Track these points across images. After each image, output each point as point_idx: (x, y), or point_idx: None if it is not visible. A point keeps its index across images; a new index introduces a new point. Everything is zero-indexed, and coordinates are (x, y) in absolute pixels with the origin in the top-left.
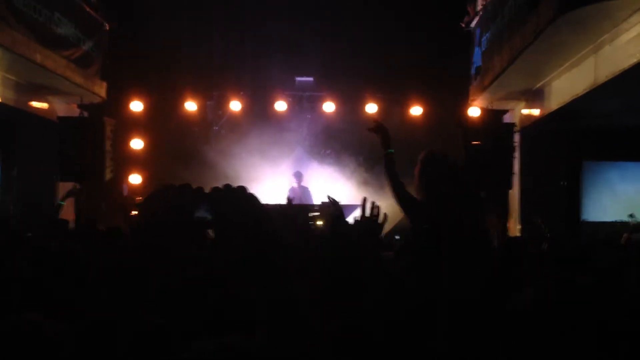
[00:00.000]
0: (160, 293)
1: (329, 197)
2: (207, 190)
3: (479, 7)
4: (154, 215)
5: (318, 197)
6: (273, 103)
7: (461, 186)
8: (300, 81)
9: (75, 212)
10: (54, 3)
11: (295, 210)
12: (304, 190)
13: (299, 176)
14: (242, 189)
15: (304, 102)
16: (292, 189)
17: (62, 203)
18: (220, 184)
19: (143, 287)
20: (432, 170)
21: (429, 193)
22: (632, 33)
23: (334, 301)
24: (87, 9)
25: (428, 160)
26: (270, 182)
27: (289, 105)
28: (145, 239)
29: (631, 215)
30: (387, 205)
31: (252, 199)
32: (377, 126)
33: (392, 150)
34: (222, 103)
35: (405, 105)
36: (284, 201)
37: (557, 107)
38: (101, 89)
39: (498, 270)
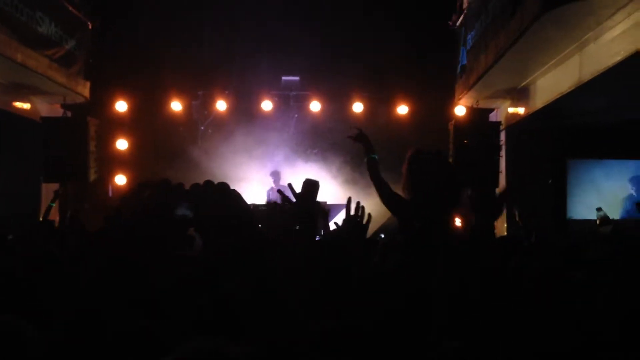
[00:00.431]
0: (145, 292)
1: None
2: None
3: (465, 5)
4: (132, 214)
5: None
6: (259, 102)
7: (452, 184)
8: (286, 80)
9: (59, 214)
10: (36, 2)
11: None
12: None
13: (276, 175)
14: (223, 185)
15: (290, 102)
16: (271, 189)
17: (52, 204)
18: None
19: (128, 286)
20: (418, 168)
21: (415, 191)
22: (617, 31)
23: (323, 299)
24: (70, 8)
25: (414, 158)
26: (257, 182)
27: (275, 105)
28: (126, 236)
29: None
30: (374, 204)
31: (233, 195)
32: (359, 135)
33: (375, 156)
34: (207, 103)
35: (392, 104)
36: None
37: (542, 106)
38: (84, 89)
39: (490, 269)
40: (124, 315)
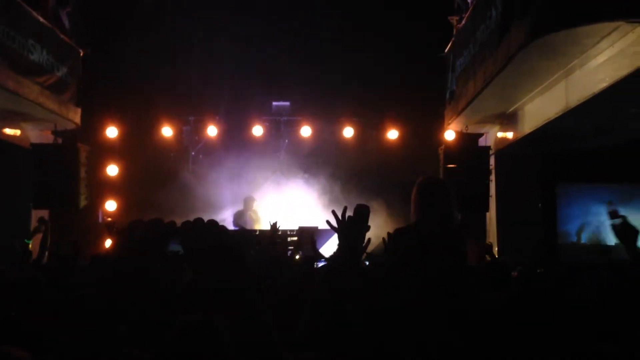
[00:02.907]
0: (134, 324)
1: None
2: (184, 218)
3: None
4: (125, 251)
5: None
6: (250, 128)
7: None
8: (277, 105)
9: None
10: (28, 30)
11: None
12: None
13: (250, 201)
14: (212, 222)
15: (281, 127)
16: (237, 213)
17: (29, 241)
18: (197, 209)
19: (114, 319)
20: (427, 194)
21: (425, 214)
22: (601, 58)
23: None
24: (61, 36)
25: (424, 185)
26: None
27: (265, 130)
28: (118, 273)
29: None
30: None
31: (222, 232)
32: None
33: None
34: (198, 128)
35: (382, 129)
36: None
37: (530, 131)
38: (75, 115)
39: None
40: (115, 344)
